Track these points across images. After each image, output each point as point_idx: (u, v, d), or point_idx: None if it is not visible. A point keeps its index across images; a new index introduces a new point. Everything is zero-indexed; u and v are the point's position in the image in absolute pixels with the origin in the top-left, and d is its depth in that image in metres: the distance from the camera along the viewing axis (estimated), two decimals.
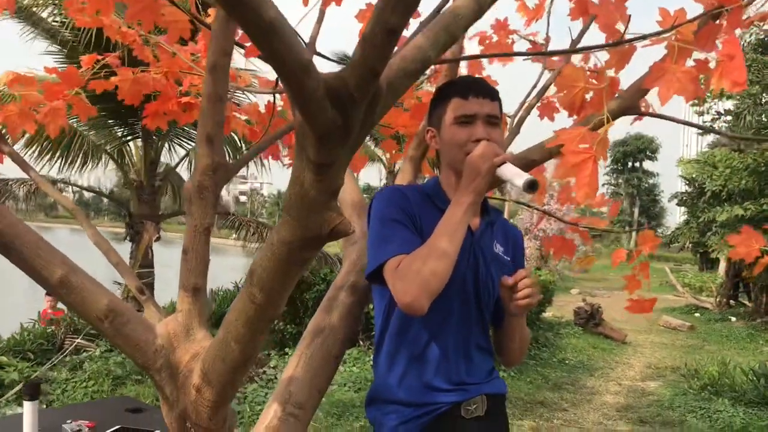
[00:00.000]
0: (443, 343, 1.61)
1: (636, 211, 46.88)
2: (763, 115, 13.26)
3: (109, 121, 7.26)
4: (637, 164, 48.90)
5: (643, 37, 1.70)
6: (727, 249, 12.13)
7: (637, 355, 9.31)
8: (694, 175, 14.76)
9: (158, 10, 1.86)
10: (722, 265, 19.66)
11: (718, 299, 15.55)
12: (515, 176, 1.44)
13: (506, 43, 2.42)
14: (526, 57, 2.07)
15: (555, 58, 2.38)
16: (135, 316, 1.42)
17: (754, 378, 6.40)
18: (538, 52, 1.94)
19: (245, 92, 4.36)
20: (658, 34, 1.63)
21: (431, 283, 1.42)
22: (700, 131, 17.13)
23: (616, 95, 1.90)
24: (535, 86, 2.26)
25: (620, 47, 1.76)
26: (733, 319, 13.66)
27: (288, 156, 2.58)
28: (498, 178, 1.52)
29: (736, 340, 11.15)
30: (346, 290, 1.94)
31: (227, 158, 1.78)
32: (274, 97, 2.54)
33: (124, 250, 8.10)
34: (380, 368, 1.68)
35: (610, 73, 1.71)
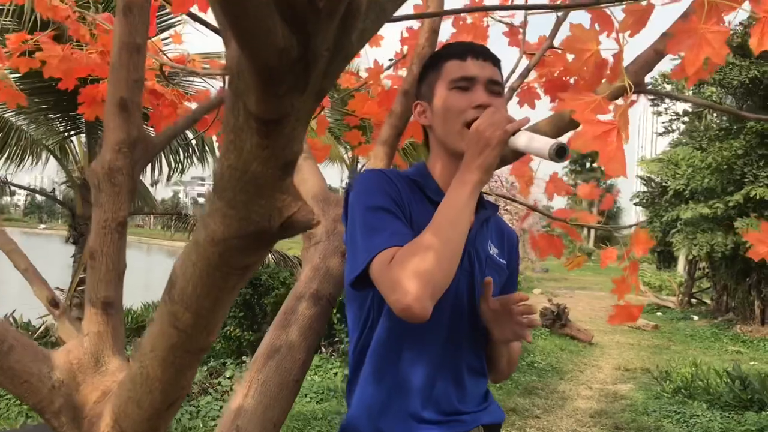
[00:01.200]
0: (431, 365, 1.30)
1: (594, 211, 47.51)
2: (724, 116, 13.34)
3: (50, 115, 6.75)
4: (595, 165, 49.66)
5: None
6: (690, 246, 12.21)
7: (605, 357, 9.14)
8: (655, 175, 14.78)
9: None
10: (681, 264, 19.83)
11: (680, 298, 15.60)
12: (538, 144, 1.12)
13: (481, 24, 2.23)
14: (530, 11, 1.77)
15: (532, 42, 2.19)
16: (21, 341, 1.06)
17: (729, 380, 6.23)
18: (536, 5, 1.65)
19: (199, 75, 3.98)
20: None
21: (436, 279, 1.10)
22: (660, 132, 17.19)
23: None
24: (513, 70, 2.07)
25: (638, 3, 1.50)
26: (696, 318, 13.68)
27: None
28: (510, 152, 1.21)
29: (701, 340, 11.11)
30: (307, 300, 1.61)
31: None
32: (224, 80, 2.21)
33: (68, 252, 7.57)
34: (357, 395, 1.35)
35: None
